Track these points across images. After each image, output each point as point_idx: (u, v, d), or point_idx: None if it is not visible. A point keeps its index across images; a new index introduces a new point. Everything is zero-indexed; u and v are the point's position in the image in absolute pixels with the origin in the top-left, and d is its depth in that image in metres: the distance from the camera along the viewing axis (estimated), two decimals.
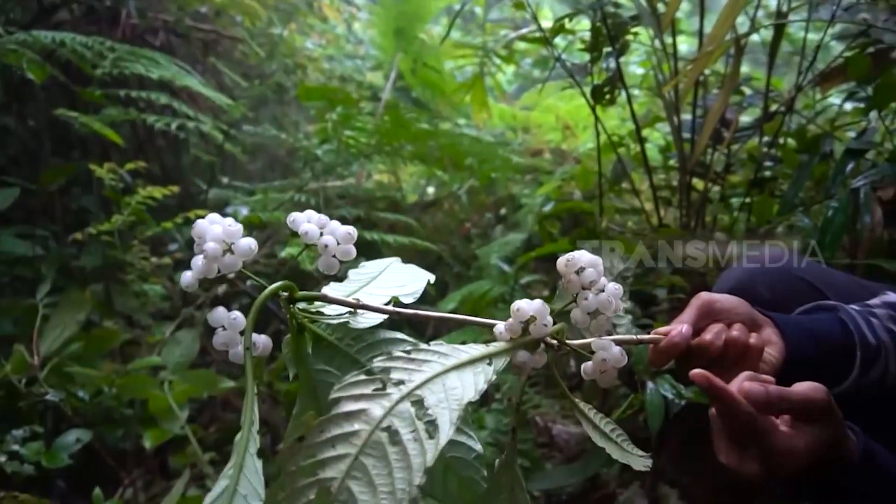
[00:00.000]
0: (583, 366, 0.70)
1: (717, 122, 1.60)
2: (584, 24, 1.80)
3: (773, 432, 0.65)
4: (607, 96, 1.70)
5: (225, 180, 2.66)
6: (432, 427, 0.52)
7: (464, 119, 3.02)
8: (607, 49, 1.66)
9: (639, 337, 0.75)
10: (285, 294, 0.65)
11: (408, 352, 0.59)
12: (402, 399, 0.53)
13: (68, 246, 2.02)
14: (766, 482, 0.67)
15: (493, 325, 0.67)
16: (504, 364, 0.64)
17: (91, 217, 2.03)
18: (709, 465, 0.75)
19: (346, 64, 3.25)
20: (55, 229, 2.09)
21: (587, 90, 1.73)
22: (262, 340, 0.64)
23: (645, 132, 1.98)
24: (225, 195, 2.48)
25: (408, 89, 3.16)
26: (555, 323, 0.66)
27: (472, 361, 0.60)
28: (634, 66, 2.84)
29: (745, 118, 1.91)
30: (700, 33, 1.71)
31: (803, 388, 0.66)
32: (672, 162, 1.99)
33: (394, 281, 0.74)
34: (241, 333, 0.63)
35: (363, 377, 0.55)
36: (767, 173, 1.74)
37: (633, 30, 1.67)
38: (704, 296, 0.80)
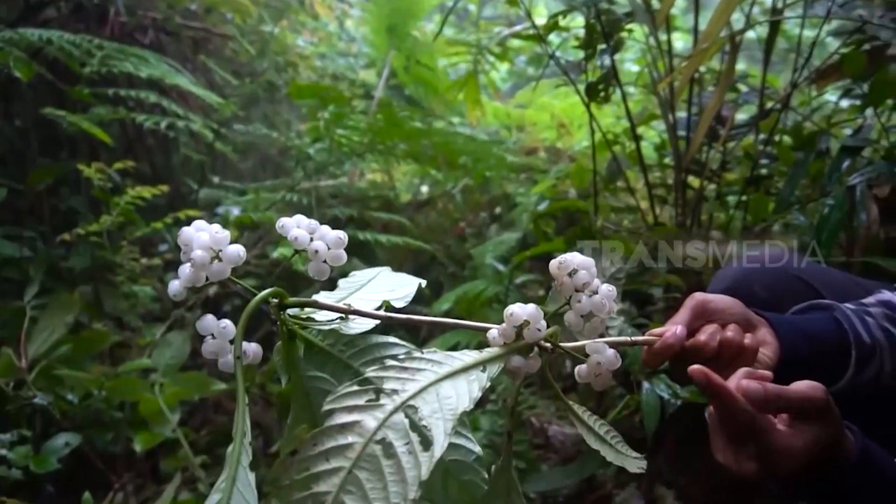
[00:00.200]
0: (577, 369, 0.70)
1: (713, 120, 1.59)
2: (578, 21, 1.80)
3: (771, 431, 0.65)
4: (602, 94, 1.69)
5: (216, 180, 2.64)
6: (427, 439, 0.51)
7: (458, 117, 3.01)
8: (602, 46, 1.65)
9: (633, 339, 0.75)
10: (275, 301, 0.63)
11: (401, 360, 0.58)
12: (395, 410, 0.53)
13: (56, 247, 2.00)
14: (764, 481, 0.67)
15: (486, 330, 0.66)
16: (498, 370, 0.63)
17: (79, 217, 2.01)
18: (705, 465, 0.74)
19: (339, 62, 3.24)
20: (43, 230, 2.06)
21: (582, 88, 1.72)
22: (252, 349, 0.63)
23: (640, 130, 1.98)
24: (216, 195, 2.46)
25: (401, 87, 3.14)
26: (548, 326, 0.65)
27: (466, 369, 0.60)
28: (629, 64, 2.84)
29: (741, 115, 1.91)
30: (695, 30, 1.71)
31: (802, 386, 0.66)
32: (667, 160, 1.99)
33: (384, 286, 0.73)
34: (231, 342, 0.61)
35: (356, 387, 0.54)
36: (763, 171, 1.74)
37: (628, 27, 1.66)
38: (698, 296, 0.79)
